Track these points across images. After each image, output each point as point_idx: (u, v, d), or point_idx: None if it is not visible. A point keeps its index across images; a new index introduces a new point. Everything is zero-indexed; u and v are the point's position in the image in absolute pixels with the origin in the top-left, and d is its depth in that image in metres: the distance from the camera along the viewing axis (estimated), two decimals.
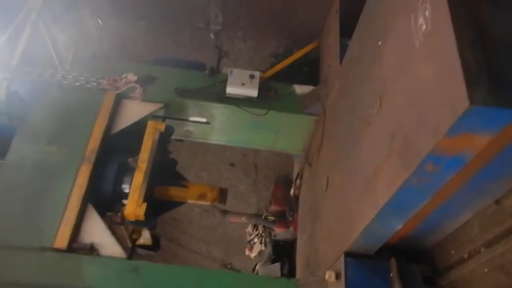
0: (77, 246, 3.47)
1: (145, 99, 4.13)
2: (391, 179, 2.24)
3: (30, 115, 3.97)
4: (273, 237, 7.21)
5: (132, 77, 3.05)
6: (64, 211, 3.54)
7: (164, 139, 3.97)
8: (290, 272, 6.34)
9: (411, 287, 2.79)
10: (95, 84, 3.11)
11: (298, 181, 4.82)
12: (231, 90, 4.19)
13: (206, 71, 4.44)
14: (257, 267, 7.74)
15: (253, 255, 8.03)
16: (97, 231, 3.60)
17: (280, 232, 6.74)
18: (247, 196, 8.09)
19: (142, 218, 3.59)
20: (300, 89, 4.39)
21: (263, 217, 6.71)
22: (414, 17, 2.24)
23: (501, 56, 1.84)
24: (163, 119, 4.26)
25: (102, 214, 3.77)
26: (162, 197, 4.00)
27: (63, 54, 4.18)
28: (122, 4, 4.83)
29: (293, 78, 4.63)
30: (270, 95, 4.28)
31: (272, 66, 4.83)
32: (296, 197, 4.97)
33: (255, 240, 7.85)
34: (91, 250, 3.49)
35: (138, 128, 4.04)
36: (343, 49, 3.81)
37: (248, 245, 8.16)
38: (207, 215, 9.08)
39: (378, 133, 2.55)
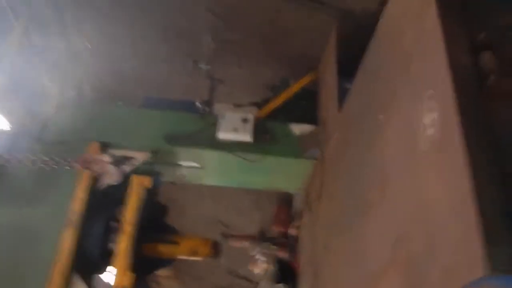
0: None
1: (133, 146, 3.86)
2: None
3: (6, 172, 3.69)
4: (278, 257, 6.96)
5: (106, 159, 2.75)
6: (48, 283, 3.30)
7: (151, 194, 3.68)
8: None
9: None
10: (68, 167, 2.82)
11: (297, 221, 4.52)
12: (223, 135, 3.87)
13: (200, 110, 4.14)
14: (259, 285, 7.55)
15: (256, 271, 7.82)
16: None
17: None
18: (250, 212, 7.84)
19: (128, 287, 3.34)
20: (298, 129, 4.05)
21: (265, 239, 6.47)
22: (419, 109, 1.89)
23: None
24: (154, 167, 3.97)
25: (88, 281, 3.54)
26: (151, 255, 3.74)
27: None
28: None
29: (290, 112, 4.29)
30: (266, 138, 3.95)
31: (268, 99, 4.50)
32: (296, 237, 4.68)
33: (260, 257, 7.62)
34: None
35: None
36: (342, 92, 3.47)
37: (252, 260, 7.95)
38: (211, 225, 8.88)
39: (381, 226, 2.23)
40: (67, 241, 3.45)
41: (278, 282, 6.86)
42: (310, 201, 4.06)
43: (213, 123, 3.96)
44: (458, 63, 1.69)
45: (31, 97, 4.03)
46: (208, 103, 4.47)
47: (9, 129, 3.94)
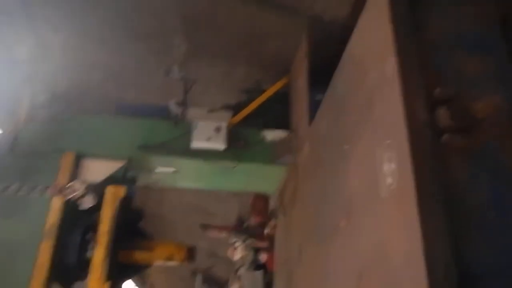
0: None
1: (107, 155, 3.86)
2: None
3: None
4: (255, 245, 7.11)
5: (78, 185, 2.76)
6: None
7: (125, 203, 3.70)
8: (270, 284, 6.31)
9: None
10: (40, 194, 2.81)
11: (272, 221, 4.63)
12: (196, 144, 3.89)
13: (173, 113, 4.13)
14: (239, 271, 7.74)
15: (235, 257, 8.00)
16: None
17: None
18: (228, 200, 7.93)
19: None
20: (271, 135, 4.09)
21: (243, 231, 6.59)
22: (379, 155, 1.96)
23: (475, 243, 1.60)
24: (126, 172, 3.97)
25: (67, 287, 3.60)
26: (127, 261, 3.80)
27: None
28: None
29: (263, 116, 4.32)
30: (239, 144, 3.99)
31: (243, 101, 4.51)
32: (271, 237, 4.80)
33: (237, 243, 7.78)
34: None
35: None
36: (313, 103, 3.51)
37: (230, 248, 8.11)
38: (191, 211, 8.95)
39: (347, 254, 2.32)
40: (44, 252, 3.47)
41: (257, 269, 7.05)
42: (284, 204, 4.16)
43: (187, 131, 3.97)
44: (414, 118, 1.75)
45: (1, 102, 3.96)
46: (182, 104, 4.46)
47: None
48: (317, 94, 3.53)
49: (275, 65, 4.61)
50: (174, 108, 4.29)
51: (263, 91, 4.46)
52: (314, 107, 3.42)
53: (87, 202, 3.10)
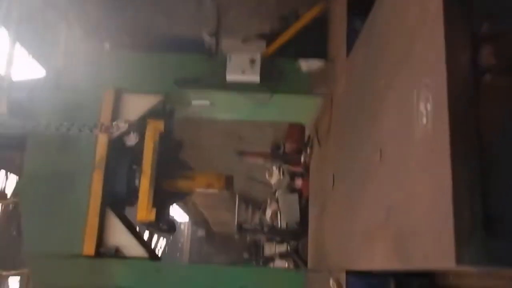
0: (103, 251, 3.69)
1: (146, 90, 3.99)
2: (385, 256, 2.19)
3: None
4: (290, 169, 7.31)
5: (122, 124, 2.88)
6: (86, 219, 3.69)
7: (165, 135, 3.87)
8: (305, 207, 6.56)
9: None
10: (89, 131, 2.97)
11: (308, 149, 4.72)
12: (231, 77, 3.91)
13: (207, 44, 4.13)
14: (277, 194, 8.07)
15: (272, 181, 8.30)
16: (119, 234, 3.79)
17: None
18: (264, 127, 8.04)
19: (153, 221, 3.71)
20: (307, 65, 4.03)
21: (279, 157, 6.77)
22: (416, 94, 1.94)
23: (505, 189, 1.61)
24: (164, 106, 4.10)
25: (120, 213, 3.92)
26: (171, 189, 4.06)
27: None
28: None
29: (299, 45, 4.23)
30: (274, 76, 3.97)
31: (277, 29, 4.41)
32: (306, 166, 4.92)
33: (274, 167, 8.03)
34: (117, 252, 3.71)
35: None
36: (351, 33, 3.39)
37: (267, 171, 8.39)
38: (227, 137, 9.16)
39: (379, 190, 2.40)
40: (97, 182, 3.77)
41: (292, 192, 7.32)
42: (319, 135, 4.21)
43: (221, 64, 3.97)
44: (456, 56, 1.69)
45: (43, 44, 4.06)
46: (215, 33, 4.43)
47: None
48: (355, 22, 3.40)
49: None
50: (208, 39, 4.27)
51: (299, 17, 4.32)
52: (352, 36, 3.31)
53: (132, 139, 3.27)
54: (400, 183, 2.07)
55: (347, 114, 3.28)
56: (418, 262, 1.81)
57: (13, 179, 10.28)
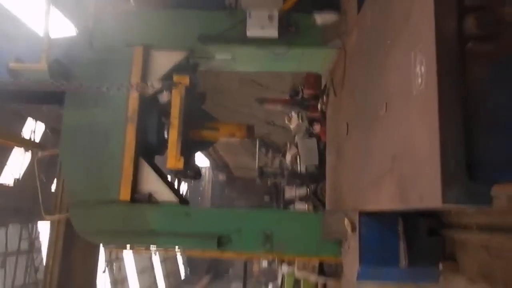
0: (138, 197, 4.20)
1: (171, 46, 4.32)
2: (389, 198, 2.59)
3: (71, 78, 4.27)
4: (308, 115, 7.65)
5: (156, 84, 3.23)
6: (122, 168, 4.18)
7: (190, 88, 4.23)
8: (323, 151, 6.96)
9: (415, 239, 3.32)
10: (126, 90, 3.35)
11: (325, 97, 5.04)
12: (251, 33, 4.19)
13: (228, 8, 4.40)
14: (296, 138, 8.48)
15: (291, 126, 8.69)
16: (151, 181, 4.27)
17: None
18: (282, 74, 8.30)
19: (182, 168, 4.18)
20: (321, 18, 4.27)
21: (297, 103, 7.08)
22: (413, 56, 2.25)
23: (485, 138, 1.97)
24: (188, 61, 4.44)
25: (151, 162, 4.41)
26: (197, 139, 4.49)
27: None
28: None
29: None
30: (291, 30, 4.24)
31: None
32: (323, 112, 5.26)
33: (293, 113, 8.38)
34: (150, 198, 4.22)
35: None
36: None
37: (286, 115, 8.76)
38: (246, 85, 9.48)
39: (385, 139, 2.76)
40: (130, 133, 4.21)
41: (311, 137, 7.72)
42: (334, 84, 4.52)
43: (242, 20, 4.23)
44: (443, 26, 2.00)
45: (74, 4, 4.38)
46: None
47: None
48: None
49: None
50: None
51: None
52: None
53: (164, 97, 3.65)
54: (402, 135, 2.43)
55: (359, 66, 3.58)
56: (415, 202, 2.22)
57: (41, 127, 10.94)
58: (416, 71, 2.21)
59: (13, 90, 3.82)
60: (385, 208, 2.71)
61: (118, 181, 4.16)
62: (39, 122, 10.39)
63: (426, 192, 2.05)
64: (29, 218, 10.29)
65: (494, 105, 1.99)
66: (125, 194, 4.15)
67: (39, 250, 11.19)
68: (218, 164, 22.95)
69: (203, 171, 22.28)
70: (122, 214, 4.16)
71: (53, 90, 3.81)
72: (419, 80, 2.17)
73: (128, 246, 4.38)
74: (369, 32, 3.26)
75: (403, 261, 3.17)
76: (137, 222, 4.14)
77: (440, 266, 3.15)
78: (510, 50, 2.01)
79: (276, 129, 11.28)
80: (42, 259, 10.99)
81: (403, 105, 2.42)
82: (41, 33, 4.28)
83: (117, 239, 4.21)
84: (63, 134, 4.30)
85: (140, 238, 4.15)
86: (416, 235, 3.32)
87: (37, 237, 11.04)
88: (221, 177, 24.61)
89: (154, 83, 3.25)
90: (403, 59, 2.41)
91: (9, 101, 5.82)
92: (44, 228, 10.93)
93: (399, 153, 2.46)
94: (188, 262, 28.96)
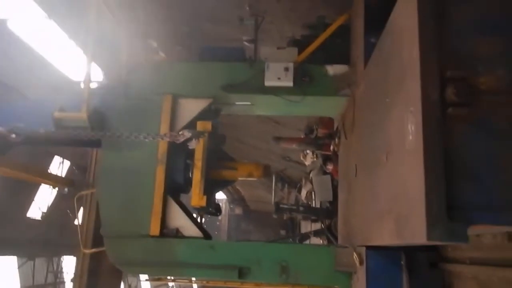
0: (166, 232, 4.70)
1: (197, 95, 4.92)
2: (389, 234, 3.04)
3: (108, 126, 4.88)
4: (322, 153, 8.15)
5: (187, 133, 3.78)
6: (152, 205, 4.71)
7: (212, 132, 4.76)
8: (336, 188, 7.40)
9: (417, 271, 3.74)
10: (160, 139, 3.92)
11: (337, 139, 5.54)
12: (269, 83, 4.76)
13: (247, 51, 5.00)
14: (311, 175, 8.95)
15: (306, 163, 9.18)
16: (178, 218, 4.77)
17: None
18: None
19: (204, 205, 4.67)
20: (333, 69, 4.83)
21: (312, 142, 7.60)
22: (406, 116, 2.75)
23: (463, 186, 2.43)
24: (211, 107, 5.02)
25: (177, 200, 4.93)
26: (217, 178, 5.01)
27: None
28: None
29: (327, 50, 5.01)
30: (305, 81, 4.80)
31: (307, 36, 5.21)
32: (335, 152, 5.75)
33: (308, 151, 8.89)
34: (177, 233, 4.72)
35: None
36: (368, 46, 4.16)
37: (302, 153, 9.27)
38: (263, 123, 10.05)
39: (385, 182, 3.23)
40: (159, 174, 4.76)
41: (324, 173, 8.20)
42: (345, 128, 5.03)
43: (260, 70, 4.81)
44: (428, 94, 2.50)
45: (110, 55, 5.04)
46: (254, 40, 5.29)
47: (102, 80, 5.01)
48: (372, 37, 4.16)
49: (336, 0, 5.15)
50: (247, 45, 5.12)
51: (326, 25, 5.09)
52: (369, 49, 4.08)
53: (193, 144, 4.20)
54: (399, 180, 2.90)
55: (365, 115, 4.08)
56: (409, 238, 2.67)
57: (66, 165, 11.64)
58: (408, 129, 2.70)
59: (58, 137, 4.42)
60: (387, 243, 3.15)
61: (149, 218, 4.68)
62: (65, 160, 11.12)
63: (416, 230, 2.50)
64: (55, 252, 10.84)
65: (470, 158, 2.46)
66: (155, 229, 4.65)
67: (63, 283, 11.68)
68: (234, 197, 23.40)
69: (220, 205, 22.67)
70: (152, 247, 4.65)
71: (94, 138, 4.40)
72: (410, 137, 2.66)
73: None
74: (373, 86, 3.78)
75: None
76: (166, 255, 4.62)
77: None
78: (483, 113, 2.50)
79: (292, 165, 11.79)
80: None
81: (399, 155, 2.90)
82: (80, 84, 4.92)
83: (148, 270, 4.70)
84: (101, 174, 4.87)
85: (168, 269, 4.64)
86: (418, 268, 3.74)
87: (61, 271, 11.54)
88: (238, 210, 25.02)
89: (185, 133, 3.79)
90: (399, 117, 2.91)
91: (53, 145, 6.47)
92: (68, 262, 11.46)
93: (397, 196, 2.93)
94: None
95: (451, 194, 2.41)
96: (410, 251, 3.79)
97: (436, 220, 2.36)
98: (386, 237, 3.15)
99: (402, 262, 3.77)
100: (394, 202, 2.97)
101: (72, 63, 9.19)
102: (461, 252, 3.42)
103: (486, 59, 2.57)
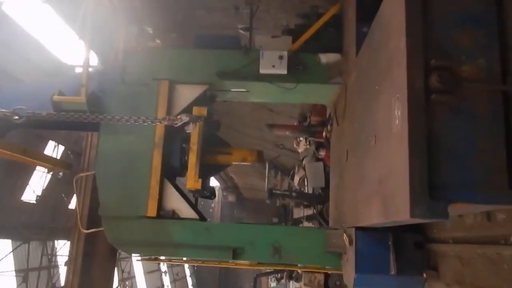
0: (163, 213, 4.88)
1: (193, 81, 5.07)
2: (376, 214, 3.24)
3: (105, 109, 5.01)
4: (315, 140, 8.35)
5: (184, 117, 3.93)
6: (149, 187, 4.88)
7: (207, 118, 4.92)
8: (329, 174, 7.59)
9: (404, 251, 3.95)
10: (158, 122, 4.07)
11: (329, 126, 5.73)
12: (264, 71, 4.92)
13: (242, 40, 5.14)
14: (304, 161, 9.15)
15: (299, 150, 9.39)
16: (175, 200, 4.95)
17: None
18: None
19: (199, 188, 4.85)
20: (325, 58, 5.00)
21: (305, 129, 7.80)
22: (393, 102, 2.93)
23: (444, 167, 2.63)
24: (206, 94, 5.18)
25: (174, 182, 5.11)
26: (212, 162, 5.19)
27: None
28: None
29: (319, 39, 5.17)
30: (299, 68, 4.96)
31: (301, 25, 5.36)
32: (328, 139, 5.94)
33: (301, 138, 9.09)
34: (173, 214, 4.90)
35: None
36: (360, 35, 4.32)
37: (295, 140, 9.47)
38: (257, 110, 10.22)
39: (373, 165, 3.43)
40: (156, 157, 4.92)
41: (317, 160, 8.41)
42: (337, 115, 5.22)
43: (255, 58, 4.96)
44: (413, 82, 2.68)
45: (106, 41, 5.16)
46: (249, 28, 5.43)
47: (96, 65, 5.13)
48: (364, 26, 4.32)
49: None
50: (242, 33, 5.27)
51: (319, 15, 5.24)
52: (361, 38, 4.24)
53: (190, 128, 4.35)
54: (385, 162, 3.09)
55: (356, 102, 4.26)
56: (394, 216, 2.87)
57: (60, 150, 11.74)
58: (395, 114, 2.89)
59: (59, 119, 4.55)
60: (375, 222, 3.36)
61: (146, 199, 4.85)
62: (59, 145, 11.22)
63: (400, 208, 2.70)
64: (49, 236, 10.99)
65: (451, 141, 2.66)
66: (152, 210, 4.83)
67: (57, 267, 11.86)
68: (228, 185, 23.64)
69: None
70: (149, 228, 4.83)
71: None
72: (397, 122, 2.84)
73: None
74: (363, 74, 3.96)
75: (393, 270, 3.80)
76: (162, 235, 4.81)
77: (424, 275, 3.78)
78: (464, 100, 2.69)
79: (285, 152, 11.99)
80: (59, 275, 11.66)
81: (386, 139, 3.09)
82: (75, 68, 5.05)
83: (145, 250, 4.89)
84: (99, 157, 5.03)
85: (164, 250, 4.83)
86: (404, 248, 3.96)
87: (56, 254, 11.71)
88: (231, 198, 25.29)
89: (183, 117, 3.94)
90: (386, 103, 3.10)
91: (52, 128, 6.59)
92: (62, 245, 11.62)
93: (383, 177, 3.12)
94: (198, 284, 29.39)
95: (433, 175, 2.61)
96: (397, 232, 4.00)
97: (419, 199, 2.56)
98: (373, 217, 3.35)
99: (389, 242, 3.98)
100: (381, 183, 3.17)
101: (68, 48, 9.25)
102: (445, 233, 3.64)
103: (468, 50, 2.76)
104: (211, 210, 26.86)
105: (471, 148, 2.65)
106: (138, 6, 5.65)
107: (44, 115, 4.06)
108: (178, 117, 4.00)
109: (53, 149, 11.23)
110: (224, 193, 25.68)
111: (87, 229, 6.97)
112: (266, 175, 14.47)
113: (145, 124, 4.06)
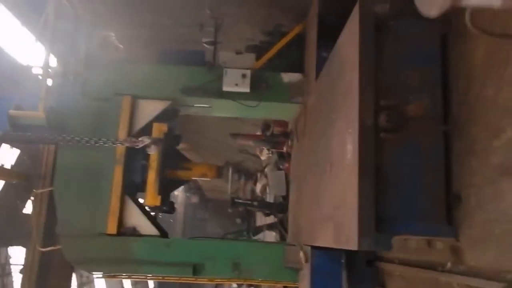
0: (123, 230, 4.98)
1: (156, 97, 5.19)
2: (330, 238, 3.49)
3: (66, 124, 5.06)
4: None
5: (146, 140, 4.06)
6: (109, 204, 4.97)
7: (168, 133, 5.06)
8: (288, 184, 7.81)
9: (356, 269, 4.24)
10: (119, 144, 4.17)
11: (290, 141, 5.97)
12: (227, 88, 5.10)
13: (208, 64, 5.32)
14: (266, 170, 9.39)
15: (262, 158, 9.62)
16: (135, 216, 5.06)
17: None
18: None
19: (159, 205, 4.99)
20: (287, 77, 5.23)
21: (268, 139, 8.02)
22: (347, 136, 3.18)
23: (390, 201, 2.90)
24: (171, 109, 5.31)
25: (135, 199, 5.22)
26: (173, 178, 5.34)
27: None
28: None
29: (282, 58, 5.39)
30: (262, 87, 5.17)
31: (265, 41, 5.57)
32: (289, 153, 6.19)
33: (265, 148, 9.31)
34: (134, 231, 5.01)
35: None
36: (320, 60, 4.56)
37: (258, 148, 9.69)
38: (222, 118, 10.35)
39: (329, 191, 3.68)
40: (117, 174, 5.01)
41: (279, 169, 8.65)
42: (298, 133, 5.46)
43: (219, 75, 5.13)
44: (364, 120, 2.93)
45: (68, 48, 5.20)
46: (213, 42, 5.59)
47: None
48: (324, 51, 4.56)
49: (294, 9, 5.51)
50: (207, 46, 5.42)
51: (283, 34, 5.46)
52: (321, 63, 4.48)
53: (152, 150, 4.46)
54: (339, 191, 3.34)
55: (314, 123, 4.51)
56: (344, 243, 3.12)
57: (15, 153, 11.51)
58: (346, 148, 3.14)
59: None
60: (329, 245, 3.61)
61: (106, 216, 4.93)
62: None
63: (350, 238, 2.95)
64: (3, 243, 10.75)
65: (397, 176, 2.93)
66: (112, 228, 4.92)
67: (9, 275, 11.60)
68: (191, 186, 23.63)
69: (176, 193, 22.83)
70: (109, 246, 4.92)
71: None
72: (348, 156, 3.09)
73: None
74: (322, 99, 4.20)
75: (345, 287, 4.08)
76: (122, 253, 4.91)
77: None
78: (410, 137, 2.97)
79: (249, 157, 12.21)
80: (13, 284, 11.43)
81: (340, 168, 3.34)
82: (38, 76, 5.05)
83: (105, 268, 4.97)
84: (57, 171, 5.06)
85: (124, 267, 4.93)
86: (356, 266, 4.25)
87: (9, 262, 11.47)
88: (194, 199, 25.27)
89: (145, 139, 4.06)
90: (341, 134, 3.34)
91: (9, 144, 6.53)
92: (16, 253, 11.38)
93: (337, 204, 3.37)
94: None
95: (380, 208, 2.87)
96: (350, 251, 4.27)
97: (366, 231, 2.81)
98: (328, 241, 3.60)
99: (342, 261, 4.25)
100: (334, 209, 3.42)
101: (28, 51, 9.07)
102: (392, 253, 3.94)
103: (415, 89, 3.03)
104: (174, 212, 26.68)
105: (415, 183, 2.93)
106: (101, 11, 5.70)
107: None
108: (139, 139, 4.12)
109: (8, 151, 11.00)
110: (187, 194, 25.63)
111: (44, 240, 6.95)
112: (230, 178, 14.66)
113: (106, 145, 4.15)
